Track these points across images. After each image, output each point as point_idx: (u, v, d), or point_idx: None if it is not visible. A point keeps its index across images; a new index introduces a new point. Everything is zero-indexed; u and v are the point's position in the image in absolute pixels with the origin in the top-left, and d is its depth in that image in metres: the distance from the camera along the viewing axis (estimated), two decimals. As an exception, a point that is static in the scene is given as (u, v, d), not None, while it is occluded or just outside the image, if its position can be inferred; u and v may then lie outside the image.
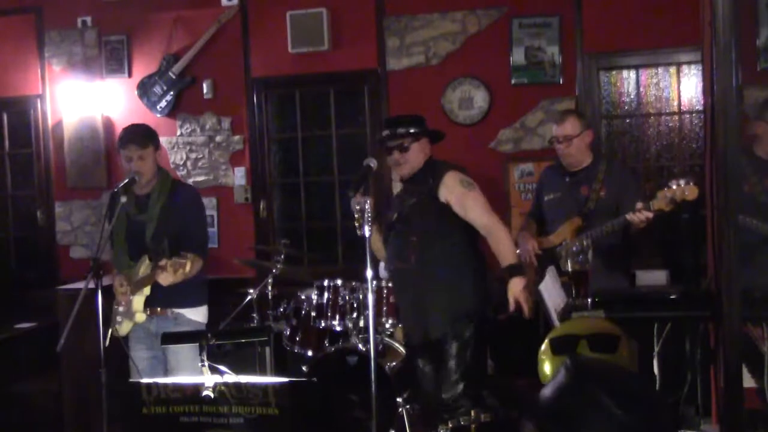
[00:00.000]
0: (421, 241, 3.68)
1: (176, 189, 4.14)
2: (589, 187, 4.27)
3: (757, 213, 3.83)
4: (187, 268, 3.75)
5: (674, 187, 3.74)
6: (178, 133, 6.38)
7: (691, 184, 3.73)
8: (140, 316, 3.97)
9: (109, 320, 3.83)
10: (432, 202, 3.73)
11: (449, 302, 3.73)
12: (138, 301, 3.94)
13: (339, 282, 4.59)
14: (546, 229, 4.44)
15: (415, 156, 3.80)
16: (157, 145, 4.13)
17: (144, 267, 3.96)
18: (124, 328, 3.98)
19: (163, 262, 3.75)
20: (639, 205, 3.89)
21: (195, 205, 4.18)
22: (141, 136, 4.08)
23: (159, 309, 4.06)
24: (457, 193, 3.71)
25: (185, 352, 3.97)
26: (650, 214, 3.85)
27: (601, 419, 2.11)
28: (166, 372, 4.05)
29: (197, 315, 4.17)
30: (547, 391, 2.37)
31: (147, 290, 3.91)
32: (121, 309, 3.98)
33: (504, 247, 3.65)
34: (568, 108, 5.36)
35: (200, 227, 4.17)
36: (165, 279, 3.79)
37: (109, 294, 3.90)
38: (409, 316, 3.91)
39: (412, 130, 3.79)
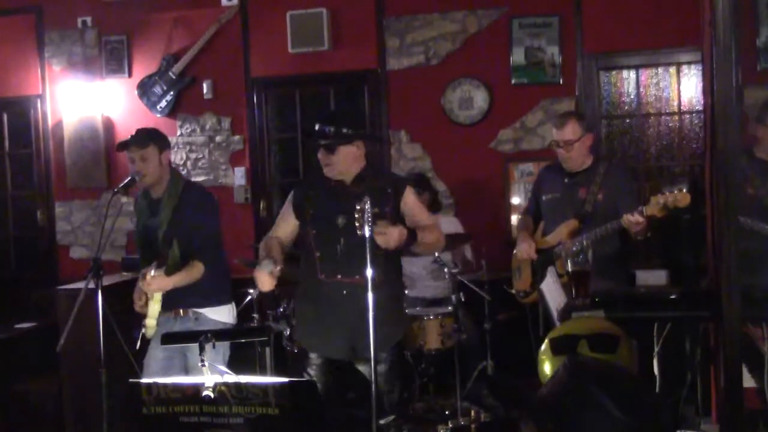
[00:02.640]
0: (385, 257, 3.44)
1: (186, 191, 4.12)
2: (587, 189, 4.26)
3: (762, 216, 3.82)
4: (147, 278, 3.73)
5: (667, 193, 3.77)
6: (178, 133, 6.38)
7: (684, 191, 3.75)
8: (151, 322, 3.92)
9: (108, 320, 3.82)
10: (394, 214, 3.52)
11: (398, 313, 3.70)
12: (152, 308, 3.91)
13: (339, 282, 4.58)
14: (543, 230, 4.43)
15: (342, 159, 3.49)
16: (161, 146, 4.10)
17: (153, 272, 3.95)
18: (149, 331, 3.97)
19: (143, 271, 3.80)
20: (640, 208, 3.90)
21: (200, 207, 4.11)
22: (141, 137, 4.08)
23: (181, 311, 4.04)
24: (413, 206, 3.63)
25: (208, 353, 3.96)
26: (641, 219, 3.87)
27: (600, 418, 2.11)
28: (186, 371, 4.02)
29: (220, 314, 4.10)
30: (546, 391, 2.37)
31: (158, 297, 3.88)
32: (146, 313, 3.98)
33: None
34: (568, 110, 5.36)
35: (204, 228, 4.05)
36: (145, 286, 3.79)
37: (108, 294, 3.89)
38: (357, 330, 3.42)
39: (344, 131, 3.49)
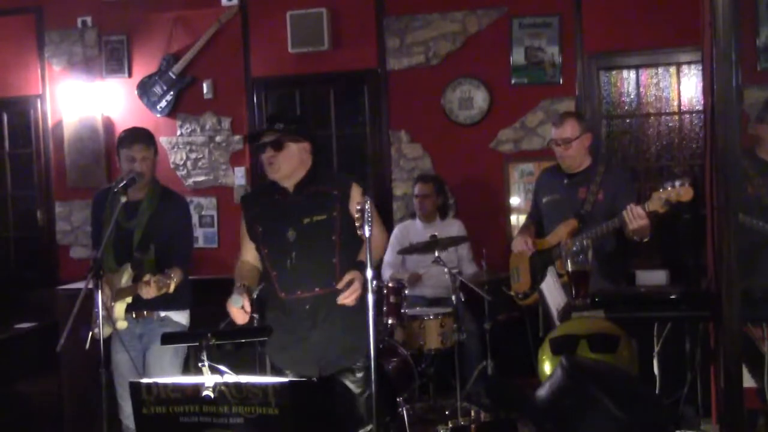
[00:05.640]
0: (341, 262, 3.35)
1: (166, 198, 4.14)
2: (587, 189, 4.25)
3: (762, 215, 3.81)
4: (171, 288, 3.74)
5: (669, 188, 3.72)
6: (178, 133, 6.38)
7: (686, 185, 3.69)
8: (122, 324, 3.94)
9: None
10: (343, 216, 3.40)
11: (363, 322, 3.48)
12: (119, 308, 3.92)
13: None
14: (543, 231, 4.43)
15: (288, 157, 3.38)
16: (156, 150, 4.14)
17: (126, 276, 3.94)
18: (104, 332, 3.96)
19: (147, 278, 3.75)
20: (641, 204, 3.85)
21: (183, 215, 4.20)
22: (146, 137, 4.09)
23: (145, 312, 4.06)
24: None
25: (166, 353, 4.00)
26: (642, 212, 3.80)
27: (600, 418, 2.11)
28: (143, 371, 4.05)
29: (182, 318, 4.18)
30: (544, 391, 2.37)
31: (129, 298, 3.90)
32: (101, 313, 3.95)
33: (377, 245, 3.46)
34: (567, 110, 5.36)
35: (186, 239, 4.19)
36: (147, 293, 3.78)
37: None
38: (333, 342, 3.40)
39: (292, 128, 3.40)
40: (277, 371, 3.55)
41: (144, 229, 4.01)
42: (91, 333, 3.90)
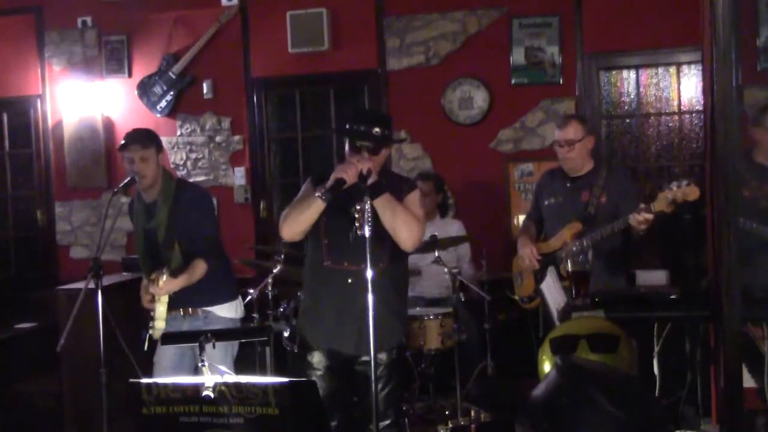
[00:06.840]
0: (386, 247, 3.42)
1: (180, 191, 4.13)
2: (590, 192, 4.23)
3: (758, 218, 3.81)
4: (164, 276, 3.77)
5: (674, 188, 3.71)
6: (178, 133, 6.38)
7: (692, 184, 3.69)
8: (160, 324, 3.94)
9: (108, 320, 3.83)
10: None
11: (402, 307, 3.64)
12: (160, 310, 3.93)
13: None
14: (545, 234, 4.42)
15: (379, 162, 3.45)
16: (159, 148, 4.12)
17: (165, 277, 3.95)
18: (156, 333, 3.98)
19: (154, 276, 3.79)
20: (642, 206, 3.85)
21: (198, 205, 4.14)
22: (143, 137, 4.09)
23: (190, 309, 4.07)
24: (410, 202, 3.54)
25: (217, 352, 3.97)
26: (650, 216, 3.80)
27: (597, 417, 2.11)
28: (194, 369, 4.04)
29: (228, 311, 4.14)
30: (540, 392, 2.37)
31: (165, 299, 3.90)
32: (153, 314, 3.98)
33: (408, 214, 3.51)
34: (568, 110, 5.36)
35: (204, 228, 4.09)
36: (157, 291, 3.81)
37: (108, 294, 3.89)
38: (362, 322, 3.30)
39: (386, 133, 3.47)
40: (304, 352, 3.53)
41: (165, 227, 4.01)
42: (149, 335, 3.94)
